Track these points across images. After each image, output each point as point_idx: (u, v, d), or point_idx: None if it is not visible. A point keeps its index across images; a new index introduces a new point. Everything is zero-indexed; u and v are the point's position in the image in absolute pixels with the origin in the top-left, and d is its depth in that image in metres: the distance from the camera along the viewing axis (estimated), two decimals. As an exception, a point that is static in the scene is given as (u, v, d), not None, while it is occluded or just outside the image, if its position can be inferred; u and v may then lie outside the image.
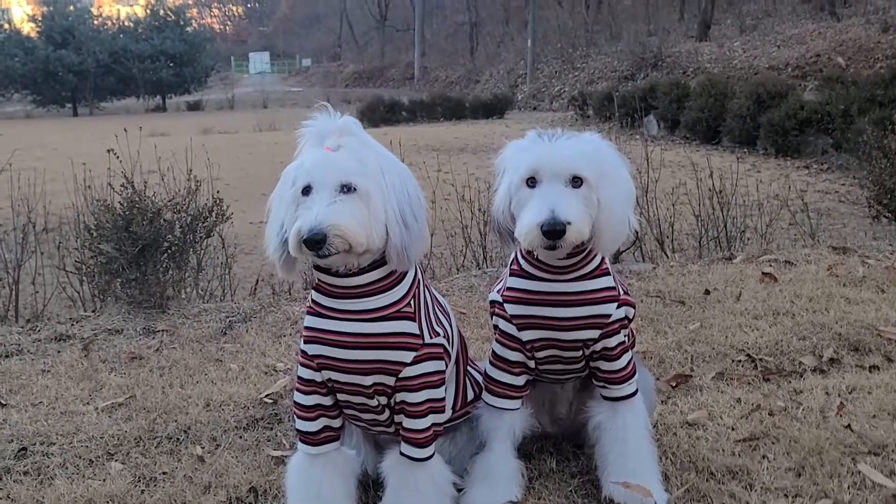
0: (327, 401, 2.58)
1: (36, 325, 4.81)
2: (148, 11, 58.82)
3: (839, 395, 3.46)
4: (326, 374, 2.51)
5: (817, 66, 25.48)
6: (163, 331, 4.58)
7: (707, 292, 4.91)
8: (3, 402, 3.71)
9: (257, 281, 5.95)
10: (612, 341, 2.69)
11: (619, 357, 2.72)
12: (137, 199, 4.80)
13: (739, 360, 3.93)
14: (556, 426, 3.09)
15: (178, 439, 3.34)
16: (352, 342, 2.43)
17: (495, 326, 2.81)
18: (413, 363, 2.46)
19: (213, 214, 5.22)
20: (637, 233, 6.50)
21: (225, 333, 4.55)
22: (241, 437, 3.33)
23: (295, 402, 2.60)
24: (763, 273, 5.17)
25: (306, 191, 2.32)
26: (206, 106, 48.84)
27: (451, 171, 8.03)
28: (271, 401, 3.64)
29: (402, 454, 2.55)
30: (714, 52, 31.13)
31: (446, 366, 2.60)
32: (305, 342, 2.52)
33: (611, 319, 2.66)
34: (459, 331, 2.85)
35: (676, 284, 5.13)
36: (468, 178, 7.33)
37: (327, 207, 2.25)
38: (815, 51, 26.80)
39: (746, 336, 4.20)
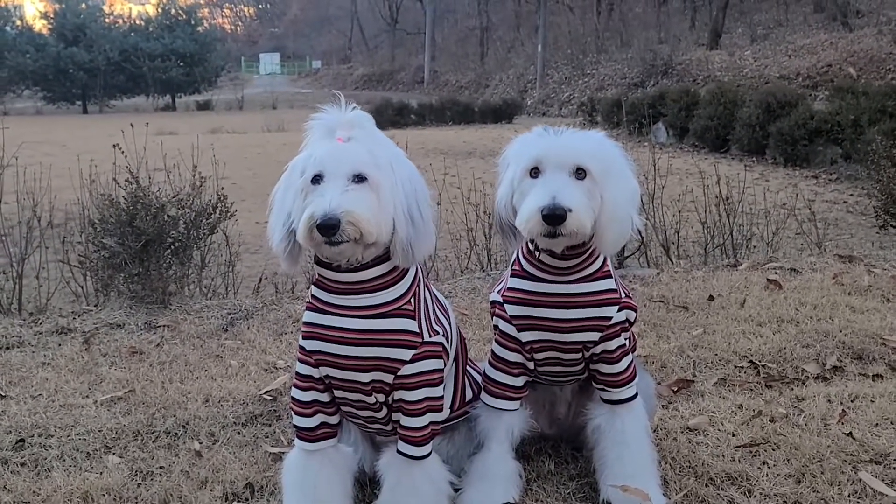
0: (325, 397, 2.57)
1: (38, 318, 4.81)
2: (159, 10, 58.99)
3: (841, 403, 3.44)
4: (324, 371, 2.50)
5: (828, 76, 25.41)
6: (164, 326, 4.58)
7: (711, 298, 4.89)
8: (3, 394, 3.71)
9: (260, 279, 5.94)
10: (613, 344, 2.67)
11: (619, 360, 2.70)
12: (142, 194, 4.80)
13: (742, 367, 3.91)
14: (555, 427, 3.07)
15: (176, 434, 3.33)
16: (350, 338, 2.42)
17: (495, 327, 2.80)
18: (412, 361, 2.45)
19: (217, 211, 5.21)
20: (642, 238, 6.48)
21: (226, 330, 4.55)
22: (239, 433, 3.32)
23: (292, 398, 2.59)
24: (768, 280, 5.15)
25: (316, 179, 2.31)
26: (215, 106, 48.91)
27: (457, 175, 8.03)
28: (270, 398, 3.63)
29: (399, 452, 2.53)
30: (725, 60, 31.08)
31: (445, 364, 2.59)
32: (304, 338, 2.51)
33: (611, 322, 2.64)
34: (459, 330, 2.84)
35: (680, 290, 5.11)
36: (475, 182, 7.32)
37: (341, 195, 2.24)
38: (827, 61, 26.73)
39: (750, 343, 4.17)
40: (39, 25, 55.00)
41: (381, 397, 2.52)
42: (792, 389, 3.63)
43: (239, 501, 2.80)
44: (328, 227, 2.21)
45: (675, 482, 2.85)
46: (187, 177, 5.52)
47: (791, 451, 3.02)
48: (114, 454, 3.16)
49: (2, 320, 4.81)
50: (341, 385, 2.51)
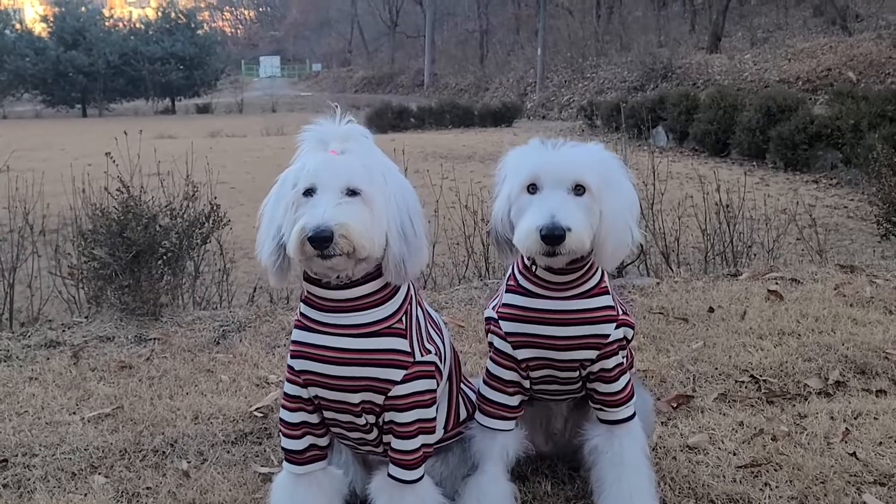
0: (314, 418, 2.50)
1: (27, 330, 4.73)
2: (159, 14, 59.00)
3: (844, 421, 3.36)
4: (313, 391, 2.43)
5: (828, 80, 25.33)
6: (154, 339, 4.50)
7: (711, 310, 4.81)
8: (-11, 410, 3.63)
9: (255, 288, 5.87)
10: (610, 362, 2.60)
11: (616, 379, 2.62)
12: (133, 203, 4.72)
13: (743, 381, 3.83)
14: (551, 444, 2.99)
15: (164, 453, 3.26)
16: (340, 358, 2.35)
17: (490, 344, 2.72)
18: (403, 381, 2.38)
19: (210, 221, 5.14)
20: (642, 246, 6.41)
21: (218, 343, 4.47)
22: (228, 452, 3.25)
23: (280, 420, 2.52)
24: (769, 291, 5.07)
25: (309, 192, 2.25)
26: (215, 109, 48.90)
27: (456, 180, 7.96)
28: (261, 414, 3.55)
29: (390, 476, 2.46)
30: (724, 64, 31.01)
31: (438, 384, 2.52)
32: (292, 357, 2.44)
33: (609, 340, 2.57)
34: (453, 347, 2.77)
35: (680, 301, 5.03)
36: (474, 186, 7.25)
37: (335, 207, 2.18)
38: (826, 65, 26.65)
39: (750, 356, 4.10)
40: (39, 29, 55.02)
41: (372, 419, 2.45)
42: (794, 406, 3.56)
43: (226, 524, 2.72)
44: (321, 240, 2.14)
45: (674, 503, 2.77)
46: (182, 184, 5.45)
47: (793, 472, 2.95)
48: (100, 474, 3.09)
49: (-9, 332, 4.74)
50: (330, 406, 2.44)
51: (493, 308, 2.70)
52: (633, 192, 2.50)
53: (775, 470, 2.98)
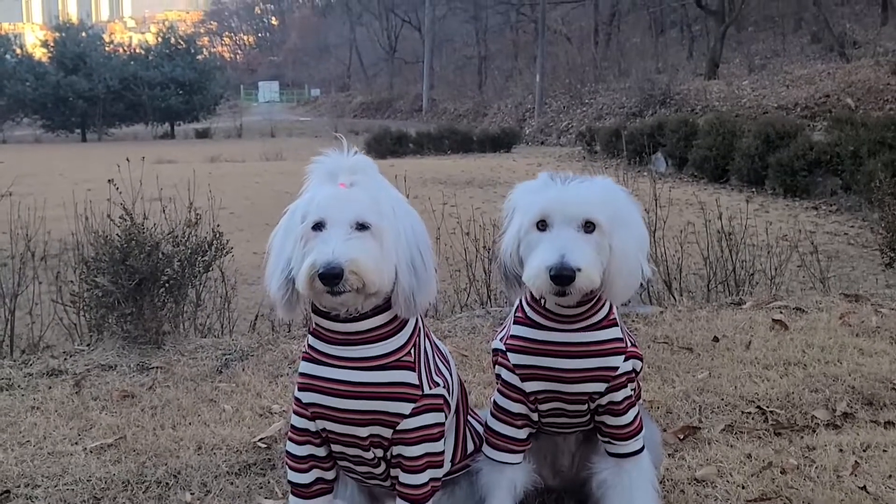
0: (321, 451, 2.47)
1: (28, 358, 4.70)
2: (159, 39, 59.34)
3: (853, 453, 3.33)
4: (321, 424, 2.40)
5: (826, 106, 25.49)
6: (157, 368, 4.47)
7: (716, 339, 4.79)
8: (-10, 441, 3.60)
9: (257, 316, 5.85)
10: (619, 395, 2.58)
11: (625, 412, 2.60)
12: (136, 231, 4.71)
13: (749, 412, 3.80)
14: (559, 479, 2.96)
15: (167, 484, 3.22)
16: (348, 391, 2.33)
17: (497, 376, 2.70)
18: (411, 415, 2.36)
19: (213, 248, 5.12)
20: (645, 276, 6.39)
21: (221, 372, 4.44)
22: (232, 484, 3.21)
23: (287, 452, 2.50)
24: (773, 320, 5.05)
25: (318, 227, 2.23)
26: (214, 134, 49.08)
27: (457, 206, 7.96)
28: (265, 445, 3.52)
29: (397, 511, 2.44)
30: (723, 90, 31.19)
31: (446, 417, 2.49)
32: (300, 389, 2.42)
33: (618, 372, 2.55)
34: (460, 379, 2.74)
35: (684, 330, 5.01)
36: (474, 212, 7.25)
37: (345, 243, 2.17)
38: (825, 91, 26.83)
39: (756, 387, 4.07)
40: (39, 54, 55.35)
41: (380, 452, 2.43)
42: (802, 437, 3.53)
43: (231, 559, 2.69)
44: (331, 277, 2.13)
45: (684, 539, 2.74)
46: (184, 210, 5.44)
47: (803, 507, 2.92)
48: (102, 506, 3.05)
49: (-8, 360, 4.71)
50: (338, 439, 2.42)
51: (501, 339, 2.68)
52: (643, 227, 2.48)
53: (785, 504, 2.96)
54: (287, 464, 2.50)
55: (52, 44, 53.95)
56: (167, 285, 4.93)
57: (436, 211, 6.93)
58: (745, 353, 4.57)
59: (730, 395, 4.00)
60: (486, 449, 2.69)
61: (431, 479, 2.44)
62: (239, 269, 6.91)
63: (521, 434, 2.66)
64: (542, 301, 2.53)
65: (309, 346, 2.43)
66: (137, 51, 59.97)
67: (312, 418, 2.41)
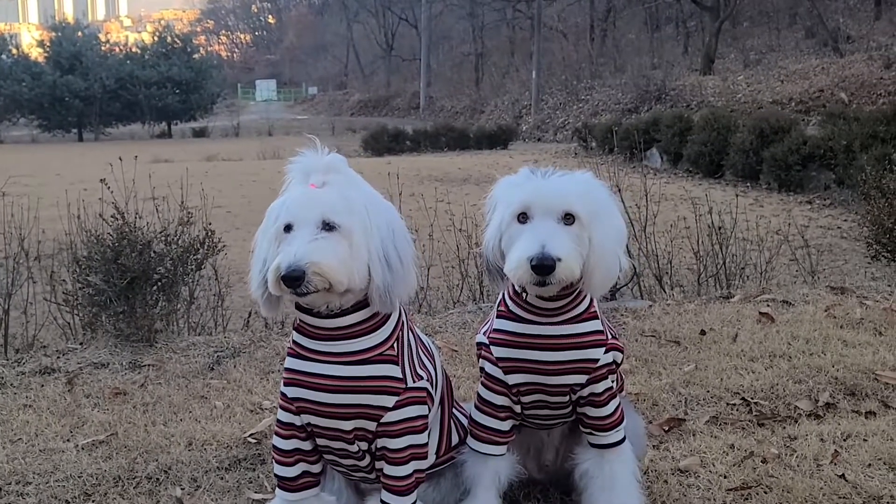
0: (307, 445, 2.52)
1: (21, 357, 4.74)
2: (156, 38, 59.29)
3: (834, 443, 3.38)
4: (306, 418, 2.45)
5: (820, 101, 25.50)
6: (149, 365, 4.51)
7: (703, 332, 4.84)
8: (-17, 439, 3.64)
9: (250, 314, 5.89)
10: (600, 387, 2.63)
11: (606, 403, 2.65)
12: (128, 230, 4.75)
13: (734, 404, 3.85)
14: (543, 473, 3.01)
15: (157, 479, 3.26)
16: (332, 385, 2.38)
17: (481, 369, 2.75)
18: (395, 408, 2.41)
19: (205, 247, 5.16)
20: (635, 268, 6.45)
21: (212, 369, 4.48)
22: (222, 479, 3.25)
23: (273, 447, 2.54)
24: (760, 313, 5.10)
25: (288, 228, 2.28)
26: (211, 133, 49.07)
27: (451, 203, 8.01)
28: (255, 441, 3.56)
29: (382, 502, 2.48)
30: (718, 85, 31.21)
31: (429, 410, 2.54)
32: (285, 384, 2.46)
33: (598, 364, 2.60)
34: (445, 372, 2.79)
35: (672, 324, 5.06)
36: (469, 209, 7.28)
37: (307, 245, 2.21)
38: (819, 86, 26.84)
39: (742, 379, 4.12)
40: (35, 54, 55.31)
41: (364, 445, 2.47)
42: (784, 428, 3.58)
43: (220, 551, 2.73)
44: (292, 279, 2.18)
45: (665, 528, 2.79)
46: (177, 209, 5.48)
47: (783, 495, 2.96)
48: (93, 502, 3.09)
49: (-15, 360, 4.75)
50: (323, 433, 2.46)
51: (485, 333, 2.73)
52: (621, 220, 2.53)
53: (765, 492, 3.00)
54: (274, 458, 2.55)
55: (48, 43, 53.88)
56: (159, 284, 4.97)
57: (431, 208, 6.97)
58: (731, 345, 4.62)
59: (715, 387, 4.04)
60: (470, 441, 2.74)
61: (416, 471, 2.48)
62: (235, 267, 6.94)
63: (505, 426, 2.71)
64: (524, 295, 2.57)
65: (294, 342, 2.48)
66: (134, 50, 59.98)
67: (298, 413, 2.46)
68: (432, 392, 2.57)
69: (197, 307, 5.82)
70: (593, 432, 2.69)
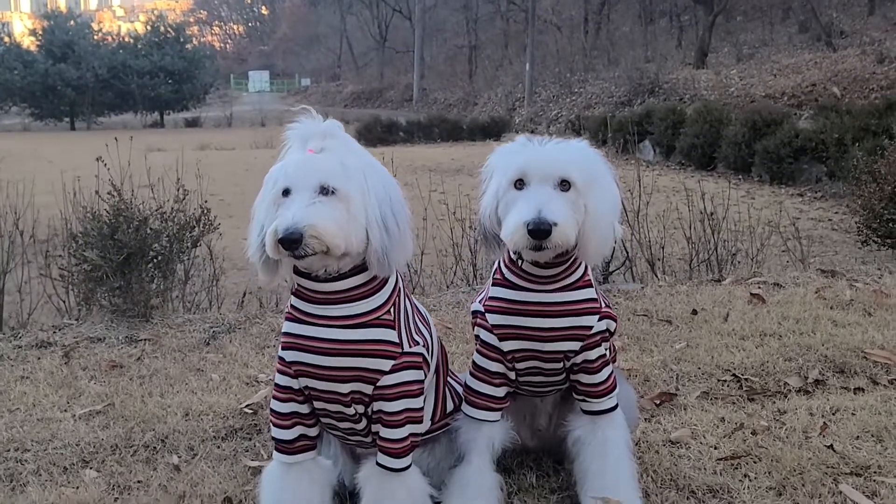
0: (304, 409, 2.55)
1: (18, 332, 4.77)
2: (148, 28, 59.08)
3: (823, 416, 3.44)
4: (304, 382, 2.48)
5: (813, 95, 25.54)
6: (145, 340, 4.54)
7: (694, 312, 4.89)
8: (-20, 409, 3.67)
9: (244, 294, 5.92)
10: (593, 354, 2.66)
11: (599, 370, 2.69)
12: (124, 206, 4.77)
13: (725, 380, 3.90)
14: (536, 440, 3.05)
15: (154, 448, 3.30)
16: (330, 349, 2.41)
17: (476, 337, 2.78)
18: (391, 371, 2.44)
19: (201, 224, 5.19)
20: (628, 253, 6.50)
21: (208, 344, 4.51)
22: (218, 447, 3.29)
23: (271, 410, 2.57)
24: (751, 294, 5.15)
25: (286, 192, 2.31)
26: (203, 123, 48.97)
27: (445, 192, 8.02)
28: (251, 411, 3.60)
29: (378, 464, 2.51)
30: (711, 79, 31.24)
31: (425, 375, 2.57)
32: (283, 348, 2.49)
33: (592, 331, 2.64)
34: (441, 342, 2.82)
35: (664, 304, 5.11)
36: (462, 198, 7.31)
37: (305, 208, 2.24)
38: (811, 80, 26.89)
39: (733, 356, 4.17)
40: (28, 42, 55.06)
41: (361, 408, 2.51)
42: (774, 402, 3.63)
43: (217, 515, 2.77)
44: (290, 242, 2.20)
45: (656, 495, 2.83)
46: (172, 192, 5.50)
47: (772, 464, 3.01)
48: (91, 468, 3.13)
49: (-19, 335, 4.77)
50: (321, 396, 2.49)
51: (480, 301, 2.77)
52: (616, 189, 2.57)
53: (754, 462, 3.05)
54: (271, 421, 2.57)
55: (40, 32, 53.65)
56: (155, 260, 5.00)
57: (424, 197, 7.00)
58: (722, 325, 4.67)
59: (706, 364, 4.09)
60: (465, 407, 2.78)
61: (411, 434, 2.52)
62: (228, 255, 6.96)
63: (499, 392, 2.74)
64: (520, 262, 2.61)
65: (292, 306, 2.51)
66: (126, 39, 59.68)
67: (295, 376, 2.49)
68: (428, 358, 2.60)
69: (191, 287, 5.85)
70: (586, 399, 2.73)
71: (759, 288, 5.35)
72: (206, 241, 5.57)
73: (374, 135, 30.52)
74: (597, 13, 47.39)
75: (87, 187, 5.88)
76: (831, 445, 3.13)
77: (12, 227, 5.73)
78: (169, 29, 58.88)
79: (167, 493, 2.92)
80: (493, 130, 32.50)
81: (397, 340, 2.45)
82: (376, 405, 2.48)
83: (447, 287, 6.23)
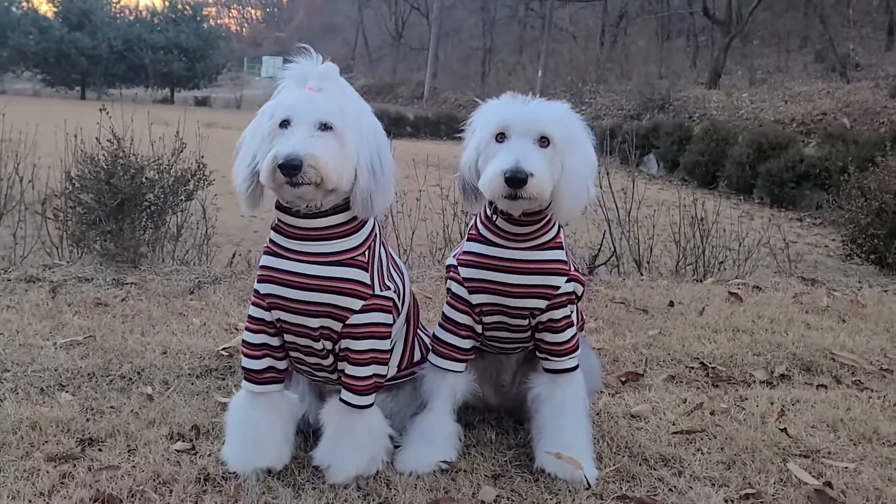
0: (275, 341, 2.64)
1: (8, 266, 4.85)
2: (166, 3, 59.11)
3: (782, 405, 3.52)
4: (276, 314, 2.57)
5: (822, 123, 25.58)
6: (132, 283, 4.63)
7: (671, 304, 4.98)
8: (-36, 331, 3.75)
9: (234, 255, 6.00)
10: (558, 314, 2.75)
11: (563, 330, 2.78)
12: (122, 154, 4.86)
13: (692, 367, 3.99)
14: (499, 397, 3.14)
15: (130, 379, 3.39)
16: (303, 283, 2.50)
17: (448, 290, 2.87)
18: (361, 311, 2.53)
19: (195, 178, 5.28)
20: (615, 250, 6.58)
21: (192, 292, 4.60)
22: (192, 384, 3.38)
23: (243, 341, 2.67)
24: (729, 293, 5.24)
25: (284, 124, 2.42)
26: (213, 103, 49.01)
27: (444, 188, 8.10)
28: (227, 354, 3.69)
29: (341, 400, 2.60)
30: (722, 100, 31.29)
31: (394, 320, 2.66)
32: (259, 281, 2.58)
33: (558, 292, 2.72)
34: (413, 295, 2.92)
35: (643, 295, 5.20)
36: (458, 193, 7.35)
37: (306, 139, 2.34)
38: (822, 109, 26.93)
39: (703, 346, 4.26)
40: (45, 9, 55.02)
41: (329, 345, 2.59)
42: (737, 390, 3.71)
43: (184, 441, 2.85)
44: (290, 168, 2.30)
45: (609, 458, 2.92)
46: (172, 145, 5.58)
47: (726, 441, 3.10)
48: (67, 392, 3.22)
49: (-28, 267, 4.86)
50: (291, 329, 2.58)
51: (454, 256, 2.86)
52: (593, 151, 2.66)
53: (709, 438, 3.13)
54: (242, 351, 2.67)
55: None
56: (148, 210, 5.09)
57: (423, 190, 7.07)
58: (697, 318, 4.76)
59: (677, 351, 4.18)
60: (431, 357, 2.87)
61: (375, 374, 2.60)
62: (224, 230, 7.04)
63: (465, 344, 2.83)
64: (495, 218, 2.70)
65: (270, 240, 2.60)
66: (143, 14, 59.71)
67: (269, 308, 2.58)
68: (398, 304, 2.69)
69: (183, 244, 5.93)
70: (548, 357, 2.82)
71: (739, 288, 5.44)
72: (201, 200, 5.65)
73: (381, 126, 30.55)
74: (614, 26, 47.47)
75: (90, 140, 5.96)
76: (785, 429, 3.21)
77: (12, 172, 5.81)
78: (187, 6, 58.92)
79: (138, 419, 3.01)
80: (501, 133, 32.49)
81: (369, 282, 2.54)
82: (344, 343, 2.57)
83: (435, 264, 6.31)
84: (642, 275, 6.55)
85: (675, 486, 2.73)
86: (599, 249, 6.56)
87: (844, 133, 18.54)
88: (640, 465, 2.89)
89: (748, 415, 3.39)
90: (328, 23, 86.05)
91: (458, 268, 2.79)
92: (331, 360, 2.64)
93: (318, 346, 2.59)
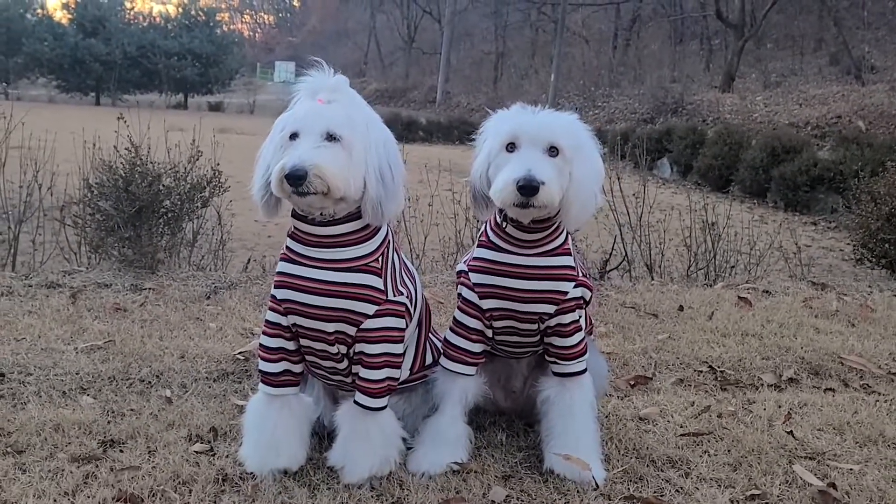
0: (290, 345, 2.72)
1: (29, 272, 4.96)
2: (180, 10, 59.46)
3: (790, 409, 3.57)
4: (292, 319, 2.65)
5: (837, 126, 25.51)
6: (150, 289, 4.72)
7: (681, 308, 5.03)
8: (-12, 336, 3.85)
9: (249, 259, 6.09)
10: (567, 318, 2.82)
11: (571, 335, 2.84)
12: (139, 161, 4.96)
13: (701, 371, 4.04)
14: (510, 401, 3.20)
15: (149, 382, 3.48)
16: (318, 289, 2.57)
17: (459, 295, 2.94)
18: (375, 316, 2.60)
19: (211, 185, 5.37)
20: (626, 255, 6.64)
21: (209, 297, 4.69)
22: (209, 387, 3.46)
23: (260, 345, 2.74)
24: (739, 297, 5.29)
25: (293, 136, 2.50)
26: (226, 108, 49.24)
27: (457, 192, 8.17)
28: (243, 357, 3.77)
29: (355, 402, 2.68)
30: (736, 104, 31.24)
31: (406, 325, 2.73)
32: (276, 287, 2.66)
33: (567, 297, 2.79)
34: (426, 299, 2.99)
35: (653, 300, 5.25)
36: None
37: (311, 150, 2.43)
38: (837, 112, 26.85)
39: (712, 351, 4.31)
40: (60, 15, 55.44)
41: (343, 349, 2.67)
42: (745, 394, 3.77)
43: (202, 442, 2.93)
44: (295, 178, 2.39)
45: (617, 460, 2.98)
46: (188, 154, 5.67)
47: (732, 443, 3.15)
48: (88, 395, 3.30)
49: (-6, 273, 4.96)
50: (307, 333, 2.66)
51: (465, 262, 2.93)
52: (600, 160, 2.74)
53: (716, 441, 3.19)
54: (259, 354, 2.75)
55: (72, 6, 54.02)
56: (165, 217, 5.18)
57: (436, 195, 7.14)
58: (706, 322, 4.81)
59: (686, 355, 4.23)
60: (442, 360, 2.94)
61: (388, 378, 2.68)
62: (239, 235, 7.12)
63: (476, 348, 2.90)
64: (504, 225, 2.77)
65: (287, 247, 2.68)
66: (157, 20, 60.09)
67: (285, 314, 2.66)
68: (411, 309, 2.76)
69: (198, 250, 6.02)
70: (557, 361, 2.88)
71: (749, 293, 5.48)
72: (216, 206, 5.74)
73: (394, 132, 29.85)
74: (627, 30, 47.47)
75: (107, 148, 6.06)
76: (791, 432, 3.26)
77: (31, 179, 5.91)
78: (200, 13, 59.25)
79: (157, 421, 3.09)
80: (514, 137, 32.52)
81: (382, 288, 2.62)
82: (358, 347, 2.65)
83: (447, 269, 6.38)
84: (653, 279, 6.59)
85: (681, 487, 2.79)
86: (611, 254, 6.62)
87: (859, 136, 18.52)
88: (647, 466, 2.95)
89: (755, 418, 3.44)
90: (340, 28, 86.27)
91: (469, 273, 2.86)
92: (345, 363, 2.72)
93: (333, 349, 2.67)
